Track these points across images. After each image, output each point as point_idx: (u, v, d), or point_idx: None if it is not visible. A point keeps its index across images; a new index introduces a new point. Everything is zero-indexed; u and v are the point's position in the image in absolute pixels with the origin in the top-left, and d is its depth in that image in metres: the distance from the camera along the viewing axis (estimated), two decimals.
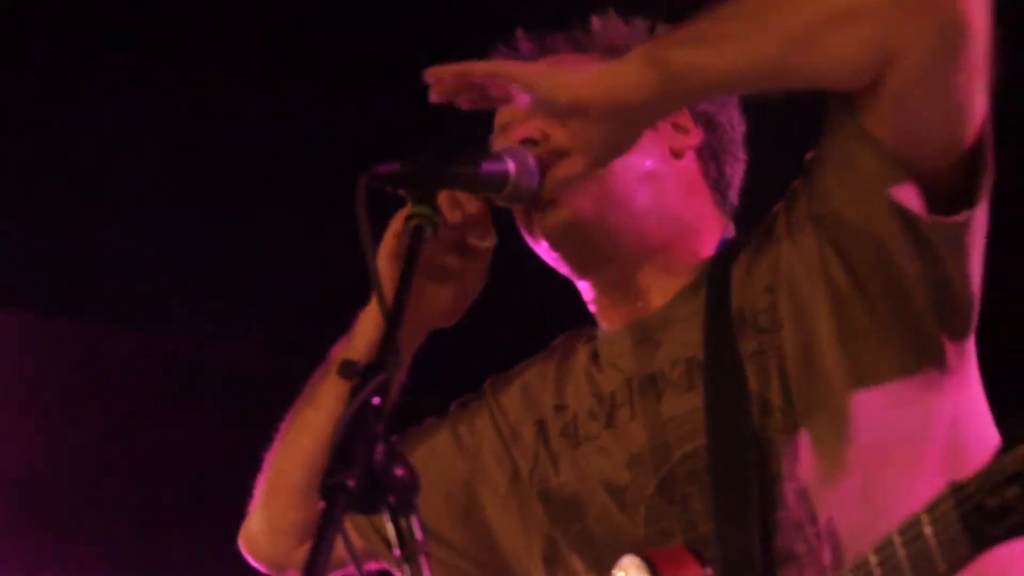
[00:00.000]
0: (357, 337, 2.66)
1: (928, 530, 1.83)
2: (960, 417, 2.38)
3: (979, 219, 2.26)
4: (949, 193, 2.25)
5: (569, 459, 2.63)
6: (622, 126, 2.29)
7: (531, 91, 2.28)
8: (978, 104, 2.23)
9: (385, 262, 2.56)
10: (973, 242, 2.28)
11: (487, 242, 2.60)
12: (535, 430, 2.71)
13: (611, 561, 2.41)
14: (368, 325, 2.64)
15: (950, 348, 2.36)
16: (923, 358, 2.36)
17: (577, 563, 2.59)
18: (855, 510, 2.30)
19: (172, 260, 5.36)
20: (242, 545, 2.88)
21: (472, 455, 2.79)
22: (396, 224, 2.56)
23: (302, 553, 2.69)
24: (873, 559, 1.93)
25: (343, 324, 2.75)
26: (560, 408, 2.69)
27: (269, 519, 2.80)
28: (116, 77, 4.67)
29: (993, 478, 1.72)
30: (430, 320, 2.65)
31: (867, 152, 2.29)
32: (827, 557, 2.30)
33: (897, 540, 1.88)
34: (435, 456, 2.79)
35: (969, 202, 2.23)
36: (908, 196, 2.24)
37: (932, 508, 1.83)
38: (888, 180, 2.26)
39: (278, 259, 5.40)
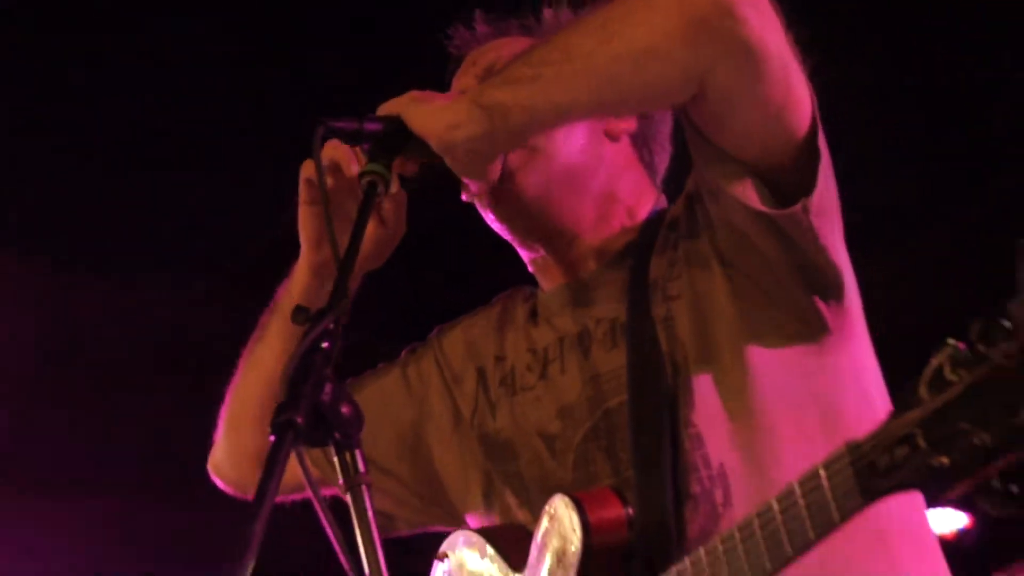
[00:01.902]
0: (295, 282, 2.67)
1: (825, 483, 1.88)
2: (841, 374, 2.47)
3: (822, 201, 2.33)
4: (795, 183, 2.32)
5: (507, 406, 2.70)
6: (464, 155, 2.32)
7: (401, 117, 2.34)
8: (796, 104, 2.33)
9: (304, 208, 2.57)
10: (823, 220, 2.35)
11: (392, 189, 2.51)
12: (476, 377, 2.78)
13: (541, 501, 2.46)
14: (302, 270, 2.65)
15: (825, 311, 2.43)
16: (802, 321, 2.44)
17: (511, 499, 2.65)
18: (743, 456, 2.39)
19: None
20: (211, 470, 2.94)
21: (420, 398, 2.86)
22: (305, 172, 2.54)
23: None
24: (776, 506, 1.98)
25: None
26: (500, 359, 2.76)
27: (230, 447, 2.87)
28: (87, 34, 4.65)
29: (885, 439, 1.76)
30: (361, 264, 2.60)
31: (715, 160, 2.40)
32: (719, 496, 2.37)
33: (798, 491, 1.93)
34: (386, 399, 2.87)
35: (807, 189, 2.32)
36: (752, 194, 2.33)
37: (829, 463, 1.88)
38: (735, 182, 2.35)
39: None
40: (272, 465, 1.79)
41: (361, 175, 2.30)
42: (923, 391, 1.72)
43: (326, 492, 1.97)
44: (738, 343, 2.45)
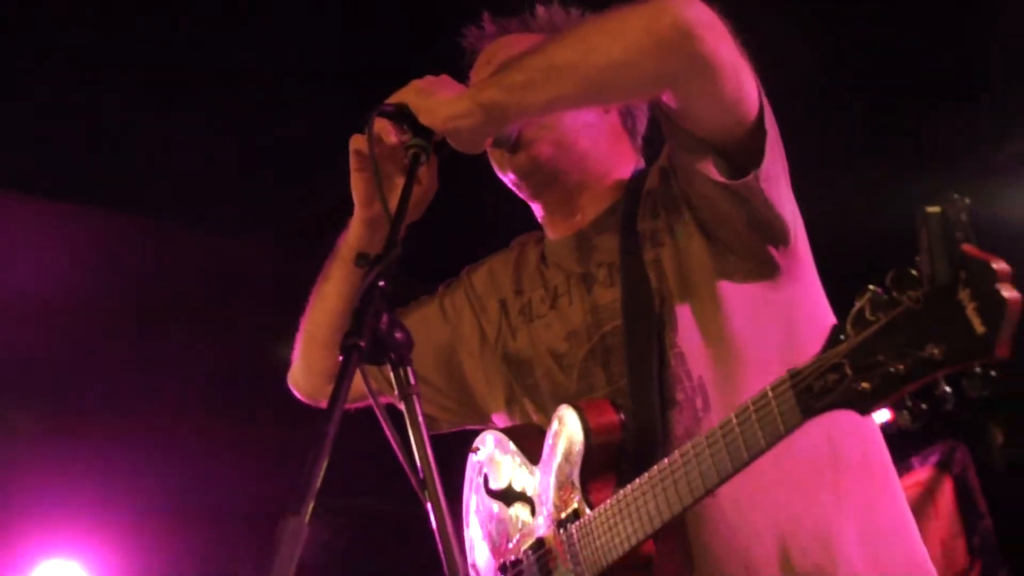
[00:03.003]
0: (350, 233, 2.99)
1: (773, 402, 2.14)
2: (794, 304, 2.75)
3: (770, 169, 2.61)
4: (748, 157, 2.61)
5: (525, 331, 3.00)
6: (464, 139, 2.62)
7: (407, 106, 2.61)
8: (746, 97, 2.59)
9: (354, 174, 2.86)
10: (771, 184, 2.63)
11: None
12: (499, 307, 3.10)
13: (552, 406, 2.77)
14: (356, 223, 2.96)
15: (776, 255, 2.72)
16: (759, 264, 2.73)
17: (529, 406, 2.96)
18: (717, 370, 2.69)
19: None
20: (289, 383, 3.24)
21: (453, 324, 3.17)
22: (353, 145, 2.83)
23: (330, 390, 3.17)
24: (735, 420, 2.23)
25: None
26: (518, 292, 3.07)
27: (305, 366, 3.17)
28: None
29: (819, 366, 2.02)
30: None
31: (684, 141, 2.69)
32: (699, 403, 2.68)
33: (751, 407, 2.19)
34: (427, 324, 3.18)
35: (758, 162, 2.59)
36: (712, 169, 2.63)
37: (775, 386, 2.13)
38: (700, 159, 2.65)
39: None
40: (341, 379, 2.06)
41: (407, 147, 2.59)
42: (849, 328, 1.96)
43: (383, 401, 2.21)
44: (711, 282, 2.74)
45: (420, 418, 2.21)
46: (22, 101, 5.03)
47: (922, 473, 7.45)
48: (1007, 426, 7.24)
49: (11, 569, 6.75)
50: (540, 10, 3.11)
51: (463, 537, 3.02)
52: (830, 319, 2.74)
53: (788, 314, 2.74)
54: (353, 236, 2.99)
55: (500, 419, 3.09)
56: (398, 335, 2.23)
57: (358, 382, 2.10)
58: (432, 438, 2.25)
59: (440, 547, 2.10)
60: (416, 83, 2.69)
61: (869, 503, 2.67)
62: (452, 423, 3.25)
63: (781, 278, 2.76)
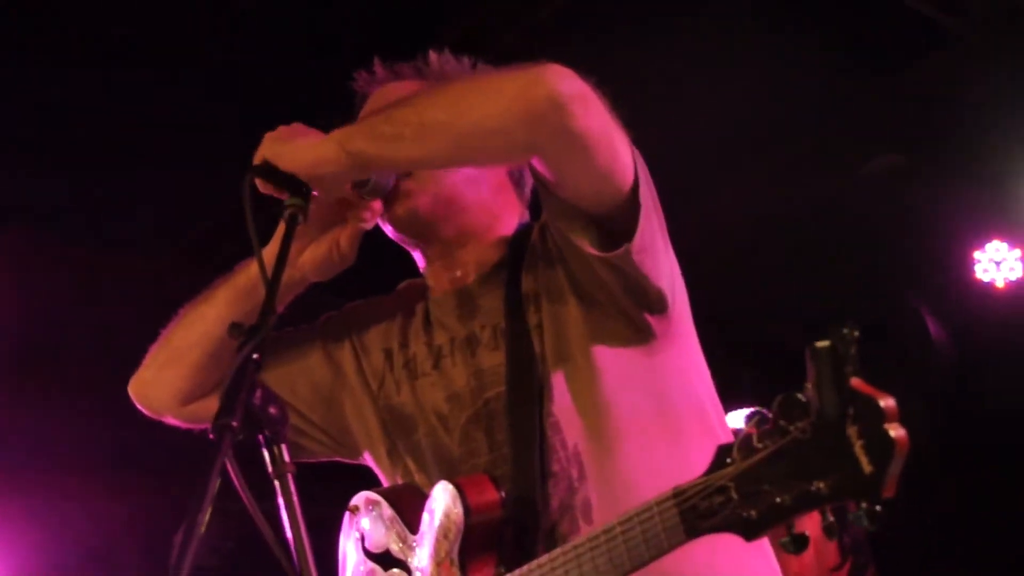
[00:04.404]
0: (254, 267, 2.71)
1: (656, 518, 2.12)
2: (670, 370, 2.75)
3: (643, 241, 2.59)
4: (622, 228, 2.59)
5: (408, 387, 2.91)
6: (329, 184, 2.62)
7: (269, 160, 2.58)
8: (620, 170, 2.56)
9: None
10: (644, 256, 2.61)
11: (367, 225, 2.85)
12: (383, 356, 3.00)
13: (435, 468, 2.78)
14: (254, 268, 2.77)
15: (652, 321, 2.71)
16: (634, 329, 2.72)
17: (411, 464, 2.88)
18: (591, 439, 2.67)
19: None
20: (132, 391, 3.07)
21: (336, 363, 3.05)
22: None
23: (183, 411, 3.01)
24: (618, 528, 2.20)
25: None
26: (404, 345, 2.97)
27: (162, 381, 3.02)
28: None
29: (705, 487, 2.00)
30: (306, 277, 2.92)
31: (557, 208, 2.65)
32: (575, 473, 2.65)
33: (635, 519, 2.16)
34: (306, 357, 3.07)
35: (631, 234, 2.55)
36: (584, 240, 2.61)
37: (661, 501, 2.11)
38: (574, 228, 2.63)
39: None
40: (214, 462, 2.01)
41: (284, 207, 2.53)
42: (736, 453, 1.95)
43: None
44: (586, 347, 2.73)
45: (295, 499, 2.16)
46: None
47: None
48: None
49: None
50: (432, 57, 3.02)
51: None
52: (707, 385, 2.81)
53: (661, 378, 2.76)
54: (255, 271, 2.77)
55: (379, 469, 3.04)
56: (272, 410, 2.20)
57: None
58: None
59: None
60: (270, 135, 2.65)
61: (742, 558, 2.66)
62: (329, 456, 3.18)
63: (655, 343, 2.75)
